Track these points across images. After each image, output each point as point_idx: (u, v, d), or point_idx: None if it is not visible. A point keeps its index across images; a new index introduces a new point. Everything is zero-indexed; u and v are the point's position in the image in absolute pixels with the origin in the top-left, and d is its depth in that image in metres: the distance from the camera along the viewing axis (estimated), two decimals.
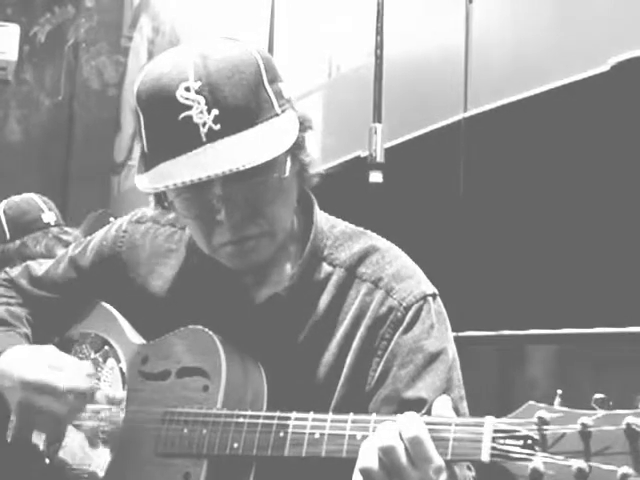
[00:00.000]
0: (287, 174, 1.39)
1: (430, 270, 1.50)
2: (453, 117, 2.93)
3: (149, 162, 1.37)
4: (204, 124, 1.31)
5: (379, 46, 3.00)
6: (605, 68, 2.33)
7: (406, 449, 1.16)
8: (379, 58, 2.99)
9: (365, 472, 1.18)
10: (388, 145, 2.96)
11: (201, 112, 1.32)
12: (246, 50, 1.38)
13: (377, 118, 2.93)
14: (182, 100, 1.32)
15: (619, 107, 2.35)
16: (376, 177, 2.88)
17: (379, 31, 3.00)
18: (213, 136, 1.31)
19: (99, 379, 1.57)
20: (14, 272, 1.72)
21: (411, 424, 1.17)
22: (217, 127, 1.31)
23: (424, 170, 3.08)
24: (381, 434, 1.18)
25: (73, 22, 7.20)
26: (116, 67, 7.12)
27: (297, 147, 1.41)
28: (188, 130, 1.32)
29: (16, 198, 2.95)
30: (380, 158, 2.89)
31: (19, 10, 7.07)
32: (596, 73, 2.37)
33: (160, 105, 1.34)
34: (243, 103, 1.33)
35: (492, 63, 2.84)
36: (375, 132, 2.90)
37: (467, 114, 2.87)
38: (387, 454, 1.16)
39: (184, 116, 1.32)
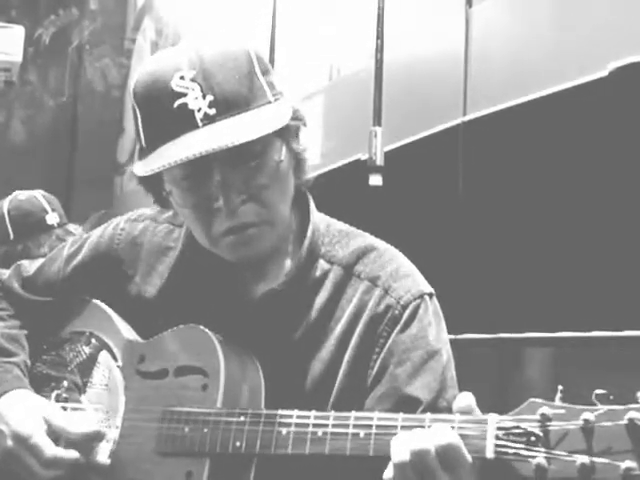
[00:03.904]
0: (283, 159, 1.41)
1: (429, 273, 1.52)
2: (452, 121, 2.93)
3: (147, 152, 1.40)
4: (199, 109, 1.35)
5: (379, 50, 3.00)
6: (604, 73, 2.34)
7: (438, 455, 1.18)
8: (379, 62, 2.99)
9: (399, 467, 1.19)
10: (388, 148, 2.96)
11: (196, 98, 1.35)
12: (238, 43, 1.43)
13: (377, 121, 2.94)
14: (177, 88, 1.36)
15: (618, 112, 2.36)
16: (376, 180, 2.89)
17: (379, 35, 3.01)
18: (208, 120, 1.35)
19: (93, 382, 1.57)
20: (5, 275, 1.71)
21: (443, 433, 1.18)
22: (212, 112, 1.35)
23: (424, 173, 3.08)
24: (415, 437, 1.20)
25: (77, 24, 7.21)
26: (119, 69, 7.12)
27: (290, 135, 1.44)
28: (184, 116, 1.35)
29: (21, 196, 2.95)
30: (380, 161, 2.89)
31: (23, 12, 7.08)
32: (595, 78, 2.38)
33: (156, 96, 1.38)
34: (237, 89, 1.37)
35: (491, 67, 2.85)
36: (375, 135, 2.90)
37: (466, 118, 2.88)
38: (419, 456, 1.18)
39: (180, 103, 1.36)
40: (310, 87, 3.81)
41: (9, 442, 1.48)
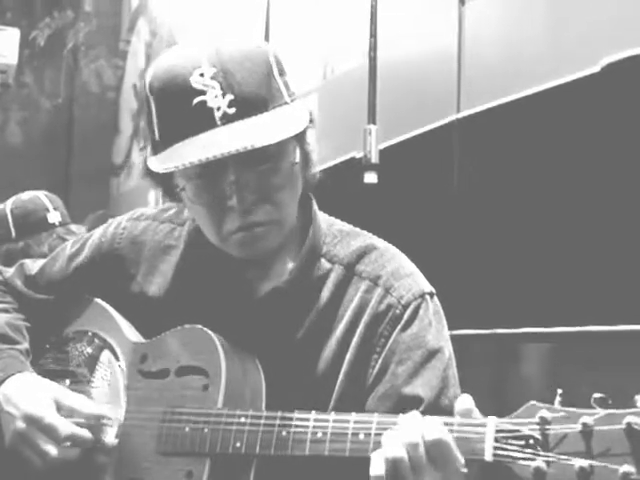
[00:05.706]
0: (297, 161, 1.41)
1: (426, 269, 1.52)
2: (447, 118, 2.95)
3: (161, 146, 1.39)
4: (218, 108, 1.34)
5: (373, 48, 3.01)
6: (596, 69, 2.35)
7: (427, 451, 1.18)
8: (373, 60, 3.00)
9: (393, 462, 1.19)
10: (382, 146, 2.97)
11: (215, 97, 1.34)
12: (256, 42, 1.43)
13: (371, 119, 2.95)
14: (196, 85, 1.35)
15: (610, 108, 2.37)
16: (371, 178, 2.90)
17: (373, 33, 3.02)
18: (227, 119, 1.34)
19: (95, 381, 1.58)
20: (8, 272, 1.71)
21: (433, 427, 1.18)
22: (231, 111, 1.34)
23: (418, 171, 3.09)
24: (406, 431, 1.20)
25: (72, 26, 7.22)
26: (115, 70, 7.13)
27: (303, 137, 1.44)
28: (203, 114, 1.34)
29: (23, 196, 2.98)
30: (375, 159, 2.90)
31: (19, 14, 7.10)
32: (587, 74, 2.39)
33: (174, 91, 1.37)
34: (256, 89, 1.36)
35: (485, 64, 2.86)
36: (369, 133, 2.91)
37: (460, 115, 2.89)
38: (411, 450, 1.18)
39: (199, 101, 1.35)
40: (304, 86, 3.82)
41: (20, 424, 1.47)
